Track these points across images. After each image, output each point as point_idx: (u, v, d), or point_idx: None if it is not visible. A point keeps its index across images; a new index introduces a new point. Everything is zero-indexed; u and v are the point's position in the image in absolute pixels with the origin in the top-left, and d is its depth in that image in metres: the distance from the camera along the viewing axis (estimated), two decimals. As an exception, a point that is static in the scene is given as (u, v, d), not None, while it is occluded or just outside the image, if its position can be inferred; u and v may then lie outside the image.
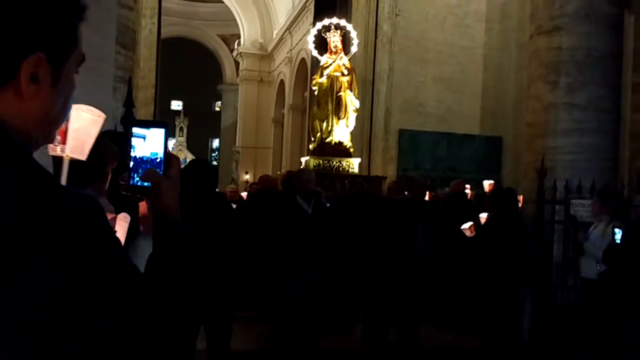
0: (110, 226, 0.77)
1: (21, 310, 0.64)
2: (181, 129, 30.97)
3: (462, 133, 11.48)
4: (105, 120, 2.91)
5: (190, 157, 28.38)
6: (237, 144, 26.66)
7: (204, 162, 4.06)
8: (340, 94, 9.65)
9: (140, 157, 1.00)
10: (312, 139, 10.10)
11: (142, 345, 0.76)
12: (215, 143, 34.46)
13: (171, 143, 30.48)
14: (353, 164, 9.87)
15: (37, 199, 0.68)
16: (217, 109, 33.44)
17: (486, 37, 11.63)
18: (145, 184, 0.99)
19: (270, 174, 15.13)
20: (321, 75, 9.82)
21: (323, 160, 9.60)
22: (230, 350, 3.77)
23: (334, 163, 9.65)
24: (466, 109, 11.55)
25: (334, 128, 9.72)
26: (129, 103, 3.07)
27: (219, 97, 32.21)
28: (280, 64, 23.82)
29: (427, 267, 5.27)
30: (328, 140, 9.72)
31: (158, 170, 0.99)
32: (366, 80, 11.05)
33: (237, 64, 27.69)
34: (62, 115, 0.82)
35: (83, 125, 1.91)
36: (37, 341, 0.64)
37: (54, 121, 0.81)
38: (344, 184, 9.26)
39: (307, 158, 10.01)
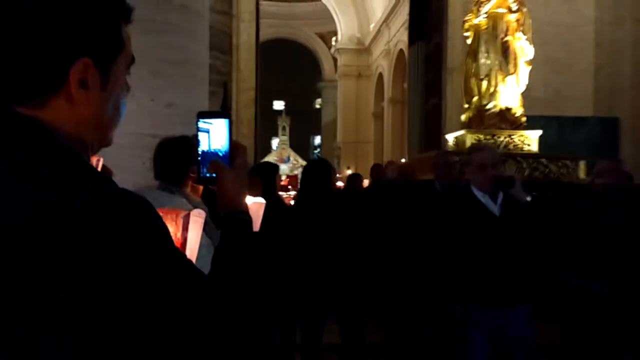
0: (159, 224, 0.76)
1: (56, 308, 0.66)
2: (283, 128, 31.70)
3: (574, 116, 10.81)
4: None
5: (293, 155, 28.99)
6: (338, 140, 26.88)
7: (322, 161, 4.10)
8: (506, 38, 6.76)
9: (207, 150, 1.00)
10: (466, 105, 7.21)
11: (199, 345, 0.74)
12: (317, 140, 34.94)
13: (275, 142, 31.33)
14: (530, 139, 7.04)
15: (80, 200, 0.69)
16: (318, 106, 33.88)
17: (596, 12, 10.85)
18: (214, 175, 0.99)
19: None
20: (477, 14, 6.94)
21: (485, 135, 6.74)
22: (366, 344, 3.75)
23: (502, 138, 6.82)
24: (576, 90, 10.86)
25: (498, 88, 6.80)
26: (224, 106, 3.18)
27: (318, 95, 32.62)
28: (378, 57, 23.70)
29: None
30: (490, 106, 6.85)
31: (224, 161, 0.98)
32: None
33: (335, 60, 27.91)
34: (116, 118, 0.83)
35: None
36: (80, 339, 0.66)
37: (107, 125, 0.82)
38: (521, 168, 6.59)
39: (460, 133, 7.14)
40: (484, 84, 6.89)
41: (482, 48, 6.87)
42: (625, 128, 10.71)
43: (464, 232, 2.93)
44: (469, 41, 7.20)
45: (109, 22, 0.78)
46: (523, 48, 6.91)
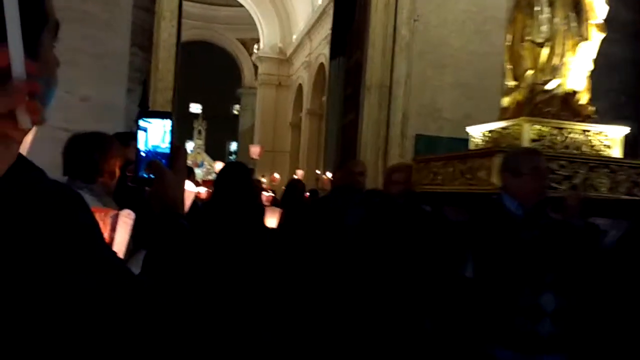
0: (89, 220, 0.74)
1: None
2: (199, 132, 31.19)
3: (480, 139, 11.40)
4: (119, 120, 2.97)
5: (208, 159, 28.58)
6: (254, 147, 26.79)
7: (238, 164, 3.81)
8: None
9: (147, 150, 0.97)
10: (513, 83, 4.78)
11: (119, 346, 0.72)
12: (233, 146, 34.64)
13: (189, 146, 30.72)
14: (612, 139, 4.23)
15: (9, 188, 0.66)
16: (236, 112, 33.63)
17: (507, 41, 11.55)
18: (152, 175, 0.96)
19: (287, 177, 15.12)
20: None
21: (551, 128, 4.12)
22: None
23: (572, 135, 4.16)
24: (483, 114, 11.46)
25: (566, 60, 4.22)
26: (143, 104, 3.10)
27: (237, 101, 32.40)
28: (299, 68, 23.90)
29: None
30: (551, 86, 4.27)
31: (164, 162, 0.96)
32: (383, 85, 11.06)
33: (256, 67, 27.85)
34: (47, 95, 0.78)
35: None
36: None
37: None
38: (614, 182, 3.99)
39: (499, 124, 4.80)
40: (544, 51, 4.29)
41: (543, 2, 4.23)
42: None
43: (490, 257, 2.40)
44: None
45: None
46: (594, 7, 4.25)
